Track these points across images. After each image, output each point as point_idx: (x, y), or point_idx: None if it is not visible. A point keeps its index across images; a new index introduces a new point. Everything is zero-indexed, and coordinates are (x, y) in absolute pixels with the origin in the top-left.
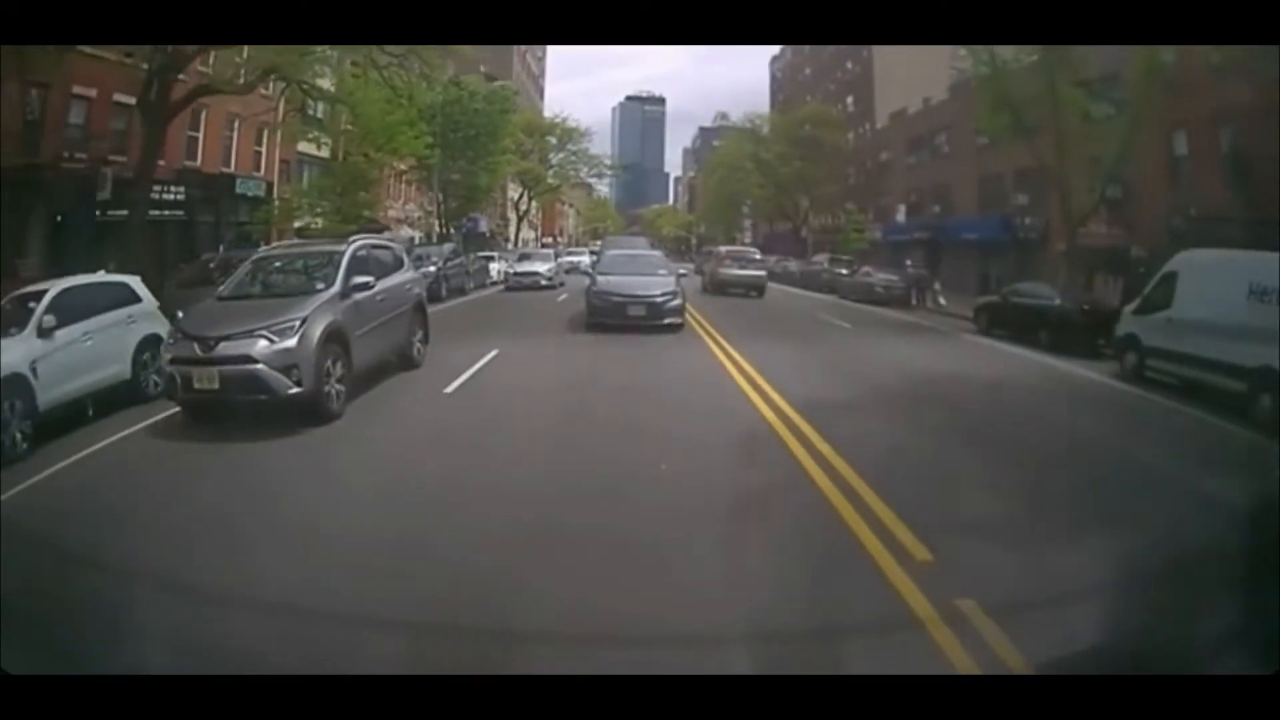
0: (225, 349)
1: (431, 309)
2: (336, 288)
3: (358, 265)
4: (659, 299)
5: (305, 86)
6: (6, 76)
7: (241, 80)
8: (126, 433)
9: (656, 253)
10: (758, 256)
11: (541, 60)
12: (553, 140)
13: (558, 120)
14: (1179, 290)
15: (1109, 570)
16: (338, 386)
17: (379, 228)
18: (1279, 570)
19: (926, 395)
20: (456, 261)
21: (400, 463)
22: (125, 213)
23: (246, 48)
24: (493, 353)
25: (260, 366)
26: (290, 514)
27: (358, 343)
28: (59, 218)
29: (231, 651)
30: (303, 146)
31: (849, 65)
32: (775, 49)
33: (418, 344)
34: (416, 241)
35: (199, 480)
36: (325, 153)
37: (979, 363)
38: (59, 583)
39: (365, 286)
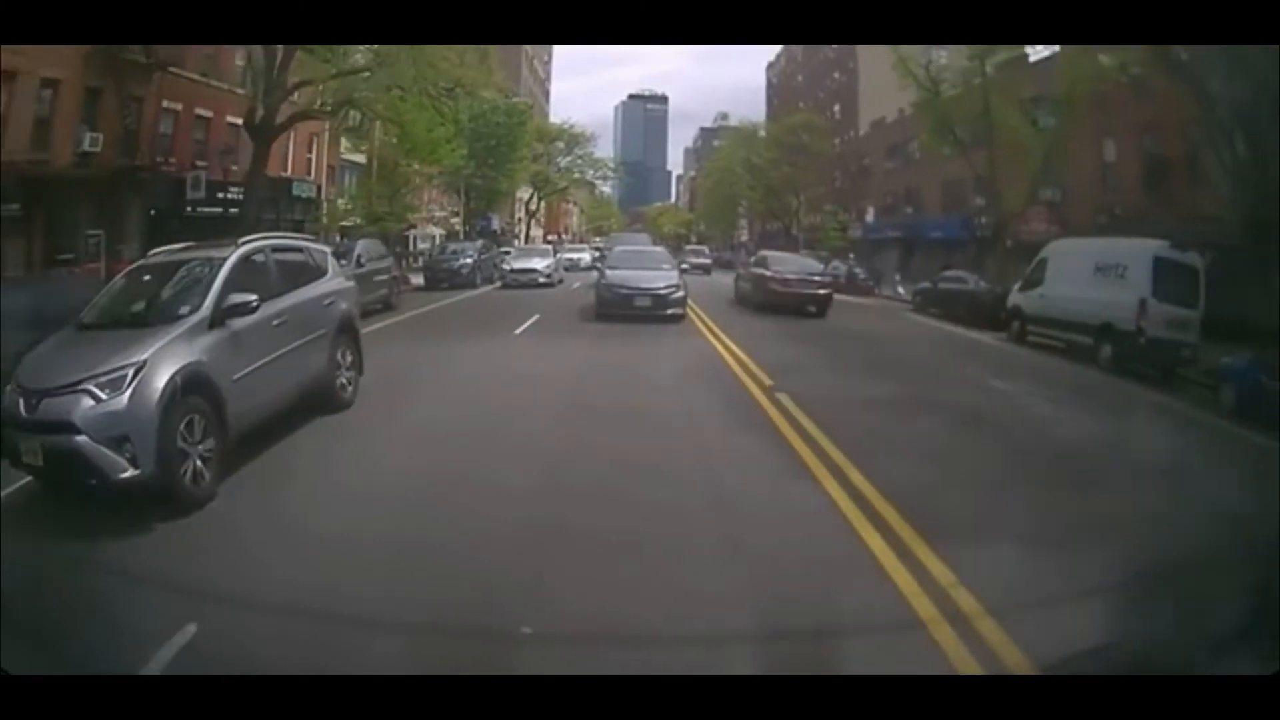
0: (47, 410)
1: (475, 291)
2: (204, 312)
3: (242, 278)
4: (663, 292)
5: (369, 113)
6: (108, 90)
7: (328, 108)
8: None
9: (661, 249)
10: (707, 252)
11: (548, 64)
12: (560, 145)
13: (565, 127)
14: (1048, 271)
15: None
16: (201, 457)
17: (408, 225)
18: (1279, 571)
19: (853, 347)
20: (486, 255)
21: (489, 371)
22: (212, 209)
23: (331, 83)
24: (535, 317)
25: (83, 439)
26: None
27: (236, 391)
28: (152, 211)
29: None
30: (343, 154)
31: (836, 75)
32: (772, 54)
33: (343, 377)
34: (439, 238)
35: None
36: (362, 159)
37: (900, 328)
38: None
39: (245, 309)
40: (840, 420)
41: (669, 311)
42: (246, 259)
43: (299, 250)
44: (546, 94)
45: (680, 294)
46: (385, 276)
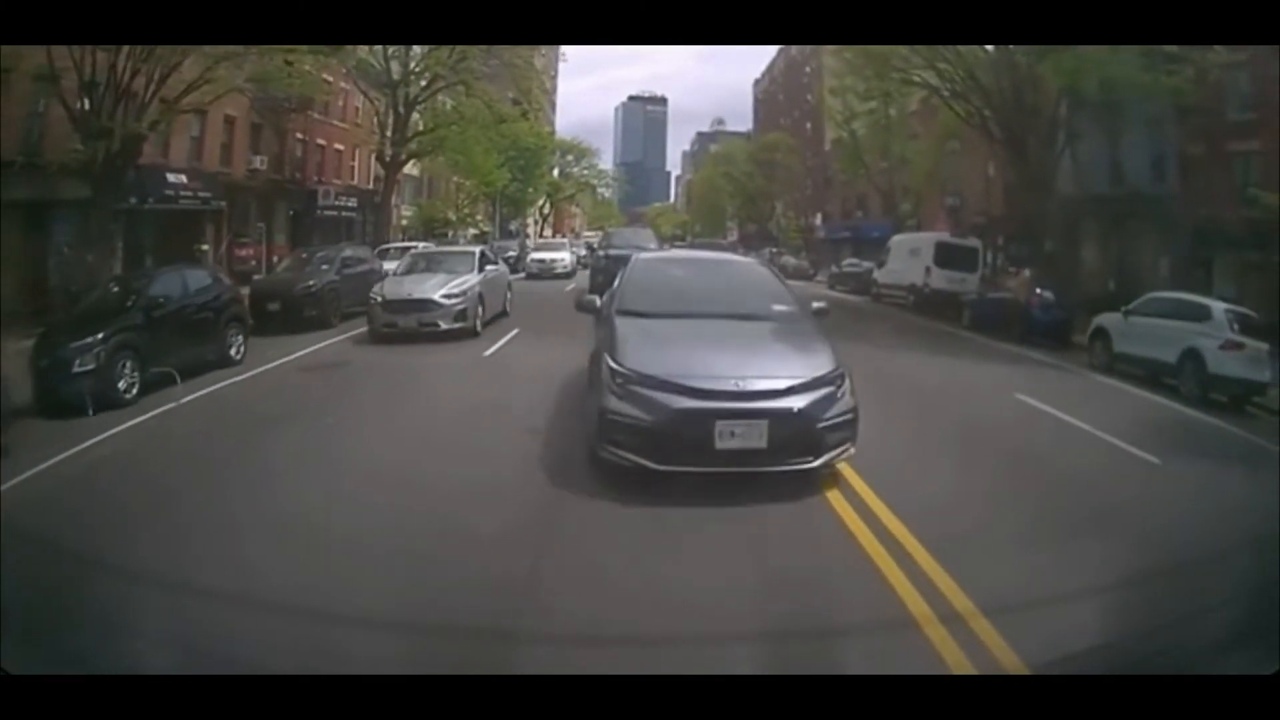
0: None
1: (516, 276)
2: None
3: None
4: (801, 404)
5: (452, 150)
6: (266, 125)
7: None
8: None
9: (748, 260)
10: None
11: (555, 78)
12: (571, 159)
13: (576, 142)
14: (890, 255)
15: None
16: None
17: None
18: (1278, 571)
19: None
20: (522, 251)
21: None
22: (331, 213)
23: (435, 133)
24: (572, 284)
25: None
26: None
27: None
28: (291, 213)
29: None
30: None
31: (809, 97)
32: (758, 72)
33: None
34: (468, 237)
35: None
36: (416, 174)
37: (807, 294)
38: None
39: None
40: None
41: (804, 464)
42: None
43: None
44: (553, 104)
45: (849, 415)
46: None
